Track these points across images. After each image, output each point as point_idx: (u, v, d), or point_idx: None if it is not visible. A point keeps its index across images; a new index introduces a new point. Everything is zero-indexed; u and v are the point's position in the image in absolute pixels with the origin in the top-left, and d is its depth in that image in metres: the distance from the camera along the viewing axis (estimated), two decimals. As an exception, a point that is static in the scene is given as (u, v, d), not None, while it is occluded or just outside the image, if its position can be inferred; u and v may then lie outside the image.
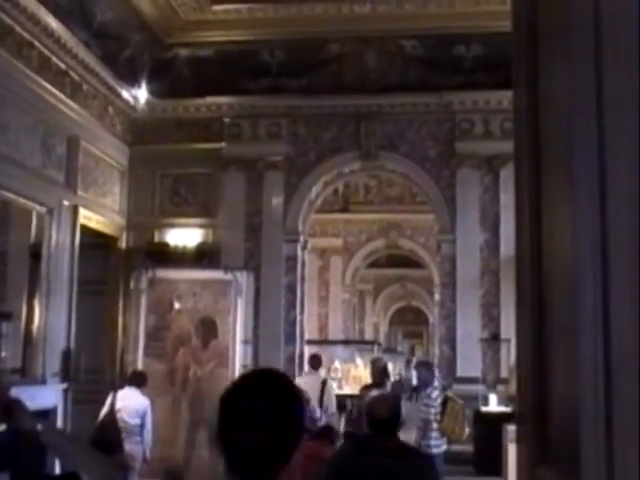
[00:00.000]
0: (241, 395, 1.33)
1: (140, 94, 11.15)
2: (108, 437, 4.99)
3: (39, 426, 1.94)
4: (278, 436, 1.28)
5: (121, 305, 10.86)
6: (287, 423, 1.31)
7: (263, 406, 1.29)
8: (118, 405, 6.85)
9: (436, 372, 7.56)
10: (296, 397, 1.36)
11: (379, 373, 7.70)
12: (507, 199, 10.20)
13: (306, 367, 11.15)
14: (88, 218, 10.14)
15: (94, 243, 10.44)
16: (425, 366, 7.31)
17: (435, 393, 6.72)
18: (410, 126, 11.27)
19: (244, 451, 1.27)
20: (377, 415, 3.16)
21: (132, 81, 11.04)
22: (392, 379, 8.42)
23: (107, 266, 11.03)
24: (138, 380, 7.24)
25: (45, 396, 8.67)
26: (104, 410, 6.93)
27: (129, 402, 6.95)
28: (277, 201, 11.27)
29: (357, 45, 11.36)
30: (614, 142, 1.11)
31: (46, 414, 8.42)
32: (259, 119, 11.38)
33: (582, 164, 1.16)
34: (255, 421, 1.28)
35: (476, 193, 11.01)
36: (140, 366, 8.84)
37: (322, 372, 9.37)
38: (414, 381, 10.20)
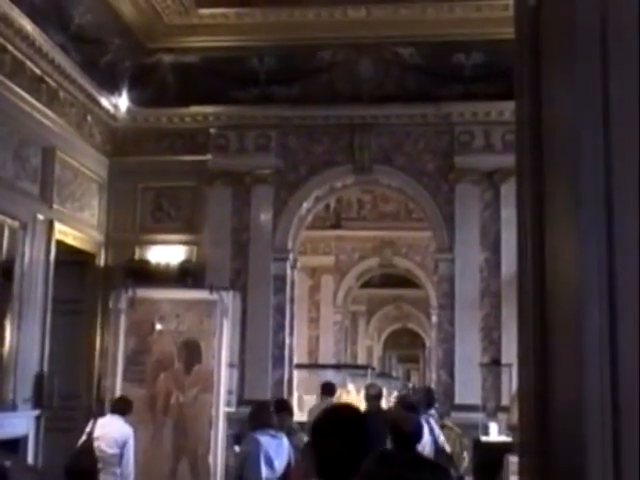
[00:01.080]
0: (333, 423, 2.09)
1: (121, 102, 11.16)
2: (82, 466, 4.93)
3: (7, 463, 1.91)
4: (355, 450, 2.01)
5: (99, 326, 10.79)
6: (360, 442, 2.03)
7: (345, 431, 2.04)
8: (97, 433, 6.77)
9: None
10: (365, 424, 2.13)
11: (372, 399, 7.70)
12: (509, 216, 10.24)
13: (295, 394, 11.13)
14: (64, 233, 10.09)
15: (70, 260, 10.38)
16: (424, 392, 7.31)
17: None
18: (406, 138, 11.31)
19: (334, 460, 2.00)
20: (402, 431, 3.82)
21: (112, 88, 11.05)
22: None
23: (84, 285, 10.97)
24: (121, 407, 7.16)
25: (15, 424, 8.58)
26: (82, 438, 6.85)
27: (109, 430, 6.87)
28: (265, 217, 11.26)
29: (351, 52, 11.42)
30: (622, 156, 1.11)
31: (16, 443, 8.32)
32: (247, 130, 11.40)
33: (588, 179, 1.16)
34: (343, 441, 2.02)
35: (476, 209, 11.04)
36: (119, 392, 8.78)
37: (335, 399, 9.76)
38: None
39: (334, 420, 2.09)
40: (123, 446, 6.85)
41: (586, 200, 1.17)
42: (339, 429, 2.04)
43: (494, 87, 10.52)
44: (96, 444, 6.62)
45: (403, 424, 3.87)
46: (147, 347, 9.25)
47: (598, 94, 1.10)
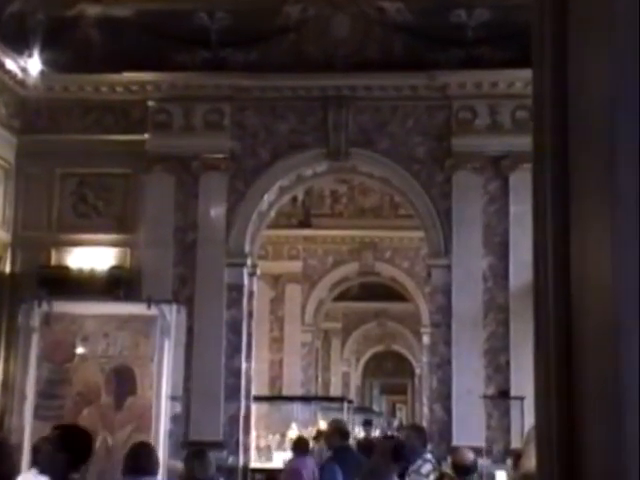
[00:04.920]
0: None
1: (31, 65, 11.00)
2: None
3: None
4: None
5: (2, 350, 10.68)
6: None
7: None
8: None
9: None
10: None
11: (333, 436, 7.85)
12: (519, 212, 10.31)
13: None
14: (-39, 232, 9.97)
15: (-32, 266, 10.26)
16: (414, 431, 7.33)
17: (427, 467, 6.72)
18: (392, 116, 11.34)
19: None
20: (460, 462, 5.76)
21: (20, 47, 10.91)
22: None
23: (-14, 297, 10.85)
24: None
25: None
26: None
27: None
28: (217, 212, 11.22)
29: (324, 7, 11.43)
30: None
31: None
32: (194, 103, 11.35)
33: (627, 167, 1.15)
34: None
35: (478, 204, 11.10)
36: (28, 433, 8.67)
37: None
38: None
39: None
40: None
41: (625, 192, 1.16)
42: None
43: (503, 52, 10.58)
44: None
45: (460, 456, 5.85)
46: (66, 376, 9.15)
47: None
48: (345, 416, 14.39)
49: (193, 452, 6.61)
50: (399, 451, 6.41)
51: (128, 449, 5.93)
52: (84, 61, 11.30)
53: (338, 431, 8.01)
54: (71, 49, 11.31)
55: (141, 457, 5.63)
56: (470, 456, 5.97)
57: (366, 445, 9.87)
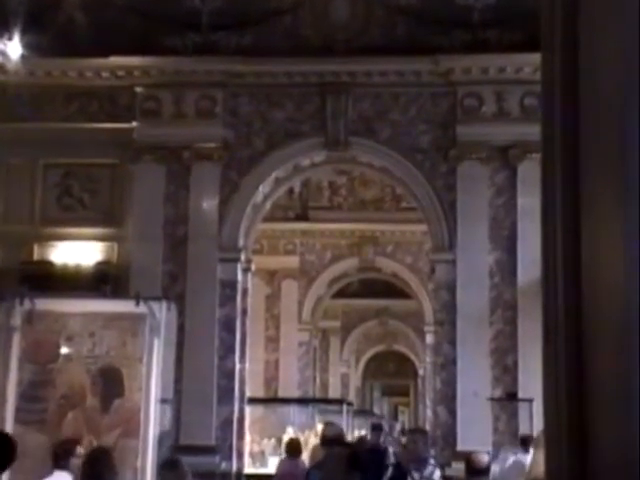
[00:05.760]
0: None
1: (12, 48, 10.97)
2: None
3: None
4: None
5: (-15, 349, 10.68)
6: None
7: None
8: None
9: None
10: None
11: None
12: (528, 204, 10.30)
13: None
14: (-61, 226, 9.97)
15: (-53, 261, 10.26)
16: (421, 435, 7.34)
17: (437, 473, 6.76)
18: (394, 103, 11.33)
19: None
20: (476, 464, 5.96)
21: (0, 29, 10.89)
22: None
23: (-35, 294, 10.84)
24: (60, 455, 7.05)
25: None
26: None
27: None
28: (210, 205, 11.21)
29: (322, -11, 11.42)
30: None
31: None
32: (185, 90, 11.33)
33: (637, 159, 1.16)
34: None
35: (484, 196, 11.10)
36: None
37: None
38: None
39: None
40: None
41: (634, 185, 1.17)
42: None
43: (510, 35, 10.57)
44: None
45: (475, 459, 5.98)
46: (49, 378, 9.14)
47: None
48: (344, 419, 14.41)
49: (166, 463, 6.66)
50: (356, 458, 6.29)
51: (86, 455, 6.04)
52: (68, 45, 11.27)
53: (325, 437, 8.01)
54: (54, 32, 11.28)
55: (99, 463, 5.71)
56: (485, 459, 6.15)
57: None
